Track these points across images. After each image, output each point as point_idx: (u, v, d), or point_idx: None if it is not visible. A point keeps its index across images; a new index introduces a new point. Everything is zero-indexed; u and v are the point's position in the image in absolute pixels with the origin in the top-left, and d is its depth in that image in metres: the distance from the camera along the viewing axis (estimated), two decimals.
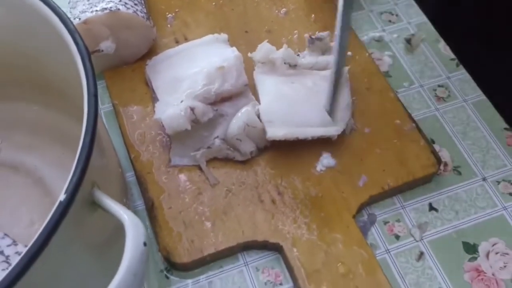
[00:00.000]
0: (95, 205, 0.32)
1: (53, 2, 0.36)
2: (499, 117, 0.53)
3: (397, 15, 0.60)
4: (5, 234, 0.42)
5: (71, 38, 0.34)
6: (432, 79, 0.55)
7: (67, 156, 0.49)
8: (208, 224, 0.43)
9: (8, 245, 0.41)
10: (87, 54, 0.33)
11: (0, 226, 0.43)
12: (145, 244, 0.29)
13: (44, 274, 0.28)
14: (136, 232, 0.29)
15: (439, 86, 0.55)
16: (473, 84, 0.55)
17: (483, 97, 0.54)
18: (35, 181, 0.48)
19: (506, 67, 0.55)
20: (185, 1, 0.58)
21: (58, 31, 0.36)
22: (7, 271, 0.30)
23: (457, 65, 0.56)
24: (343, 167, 0.47)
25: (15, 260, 0.40)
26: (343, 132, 0.48)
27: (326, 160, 0.47)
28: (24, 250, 0.41)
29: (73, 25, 0.35)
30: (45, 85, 0.47)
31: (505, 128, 0.52)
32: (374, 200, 0.46)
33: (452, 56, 0.57)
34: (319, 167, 0.47)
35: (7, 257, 0.40)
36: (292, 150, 0.47)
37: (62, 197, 0.28)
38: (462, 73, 0.56)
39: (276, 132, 0.45)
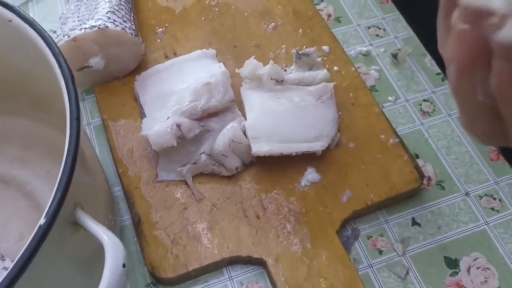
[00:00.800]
0: (77, 225, 0.33)
1: (38, 25, 0.37)
2: None
3: (384, 30, 0.61)
4: None
5: (55, 61, 0.35)
6: (417, 93, 0.56)
7: (57, 169, 0.49)
8: (193, 239, 0.44)
9: None
10: (70, 77, 0.34)
11: None
12: (123, 265, 0.30)
13: None
14: (116, 253, 0.30)
15: (424, 100, 0.56)
16: None
17: None
18: (25, 195, 0.49)
19: None
20: (175, 16, 0.59)
21: (43, 53, 0.36)
22: None
23: (443, 80, 0.57)
24: (327, 182, 0.47)
25: (1, 275, 0.41)
26: (328, 147, 0.49)
27: (310, 175, 0.48)
28: (10, 265, 0.42)
29: (58, 47, 0.35)
30: (36, 100, 0.48)
31: None
32: (357, 215, 0.47)
33: (438, 70, 0.58)
34: (304, 182, 0.48)
35: None
36: (277, 166, 0.48)
37: (42, 221, 0.28)
38: (447, 88, 0.56)
39: (261, 148, 0.46)
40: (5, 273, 0.34)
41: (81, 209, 0.33)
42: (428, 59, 0.58)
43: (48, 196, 0.48)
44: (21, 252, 0.28)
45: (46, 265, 0.31)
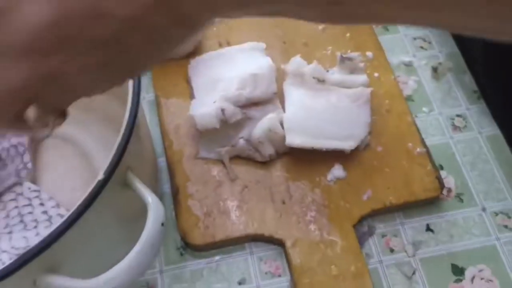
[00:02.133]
0: (126, 185, 0.38)
1: None
2: (509, 153, 0.55)
3: (430, 43, 0.63)
4: (51, 197, 0.49)
5: None
6: (452, 108, 0.59)
7: (111, 134, 0.55)
8: (223, 214, 0.49)
9: (53, 207, 0.48)
10: None
11: (48, 190, 0.50)
12: (162, 224, 0.35)
13: (80, 236, 0.35)
14: (157, 213, 0.35)
15: (457, 115, 0.58)
16: (490, 118, 0.58)
17: (497, 131, 0.57)
18: (81, 154, 0.55)
19: None
20: None
21: None
22: (49, 229, 0.37)
23: (478, 98, 0.59)
24: (351, 179, 0.51)
25: (56, 220, 0.47)
26: (357, 147, 0.52)
27: (337, 171, 0.52)
28: (64, 213, 0.48)
29: None
30: None
31: None
32: (375, 213, 0.51)
33: (476, 88, 0.60)
34: (330, 177, 0.52)
35: (50, 217, 0.47)
36: (307, 158, 0.52)
37: (100, 176, 0.34)
38: (482, 106, 0.59)
39: (294, 139, 0.50)
40: (60, 219, 0.41)
41: (131, 172, 0.38)
42: (468, 76, 0.61)
43: (100, 156, 0.55)
44: (79, 201, 0.34)
45: (97, 216, 0.36)
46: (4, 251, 0.46)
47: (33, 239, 0.46)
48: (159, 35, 0.27)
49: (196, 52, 0.59)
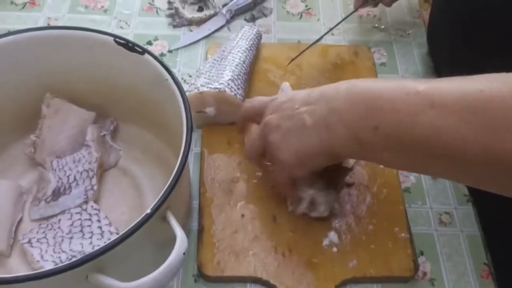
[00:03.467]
0: (164, 220, 0.51)
1: (180, 85, 0.56)
2: (483, 252, 0.65)
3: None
4: (106, 217, 0.63)
5: (183, 105, 0.54)
6: (442, 205, 0.69)
7: (161, 174, 0.69)
8: (233, 255, 0.61)
9: (106, 224, 0.61)
10: (190, 117, 0.53)
11: (104, 210, 0.64)
12: (184, 253, 0.48)
13: (124, 251, 0.47)
14: (181, 245, 0.48)
15: (445, 212, 0.68)
16: (473, 220, 0.68)
17: (477, 232, 0.67)
18: (134, 185, 0.69)
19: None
20: (278, 90, 0.78)
21: (178, 98, 0.56)
22: (101, 241, 0.51)
23: (467, 201, 0.69)
24: (342, 247, 0.62)
25: (106, 235, 0.61)
26: (351, 224, 0.64)
27: (333, 237, 0.63)
28: (114, 230, 0.61)
29: (186, 97, 0.55)
30: (161, 124, 0.67)
31: (484, 263, 0.64)
32: (356, 280, 0.61)
33: (466, 192, 0.70)
34: (326, 242, 0.63)
35: (102, 232, 0.61)
36: (310, 222, 0.64)
37: (148, 211, 0.47)
38: (468, 208, 0.69)
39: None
40: (109, 234, 0.55)
41: (170, 210, 0.52)
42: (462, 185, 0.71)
43: (149, 190, 0.69)
44: (130, 226, 0.47)
45: (139, 239, 0.49)
46: (64, 251, 0.60)
47: (87, 247, 0.59)
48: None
49: None
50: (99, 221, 0.62)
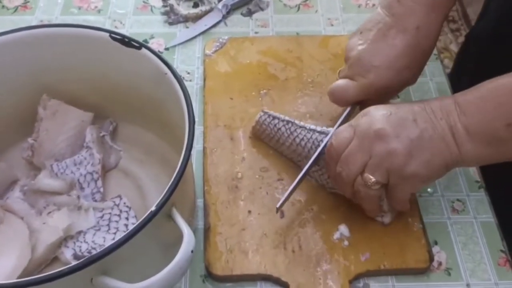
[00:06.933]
0: (170, 218, 0.49)
1: (183, 82, 0.55)
2: (499, 239, 0.63)
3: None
4: (135, 215, 0.60)
5: (185, 104, 0.53)
6: (454, 192, 0.67)
7: (163, 174, 0.67)
8: (242, 253, 0.59)
9: (133, 223, 0.58)
10: (193, 118, 0.51)
11: None
12: (192, 251, 0.46)
13: (129, 251, 0.45)
14: (189, 243, 0.46)
15: (457, 200, 0.67)
16: (487, 206, 0.66)
17: (491, 219, 0.65)
18: (137, 186, 0.67)
19: None
20: (277, 83, 0.76)
21: (179, 97, 0.54)
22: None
23: (479, 188, 0.67)
24: (354, 240, 0.60)
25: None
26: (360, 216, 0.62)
27: (343, 231, 0.61)
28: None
29: (190, 98, 0.53)
30: (164, 123, 0.65)
31: (501, 250, 0.62)
32: (370, 274, 0.59)
33: (478, 179, 0.68)
34: (337, 235, 0.61)
35: (127, 230, 0.56)
36: (319, 218, 0.62)
37: (153, 208, 0.45)
38: (481, 195, 0.67)
39: None
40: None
41: (175, 207, 0.50)
42: (473, 168, 0.69)
43: (152, 192, 0.67)
44: (135, 224, 0.45)
45: (145, 238, 0.47)
46: (85, 242, 0.58)
47: (109, 242, 0.57)
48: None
49: None
50: (127, 218, 0.60)
